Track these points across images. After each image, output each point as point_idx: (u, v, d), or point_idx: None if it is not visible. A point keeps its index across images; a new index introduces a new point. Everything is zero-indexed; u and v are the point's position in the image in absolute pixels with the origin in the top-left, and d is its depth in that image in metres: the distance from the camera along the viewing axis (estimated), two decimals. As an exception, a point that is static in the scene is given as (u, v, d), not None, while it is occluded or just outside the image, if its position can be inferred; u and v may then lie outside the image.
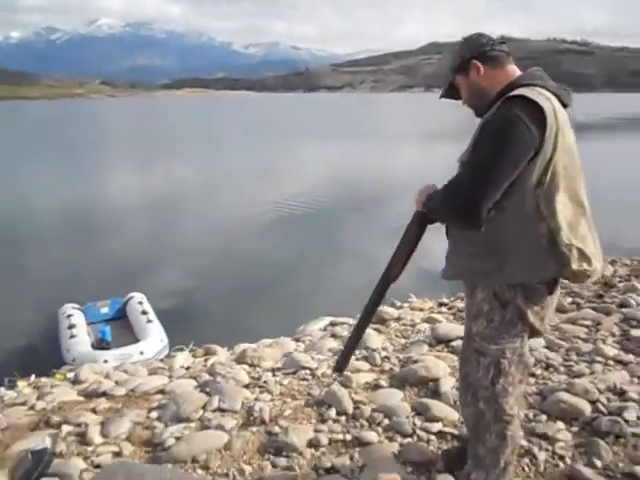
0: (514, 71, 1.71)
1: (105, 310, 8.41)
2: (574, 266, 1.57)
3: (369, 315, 1.93)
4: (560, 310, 3.96)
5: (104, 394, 3.40)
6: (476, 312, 1.73)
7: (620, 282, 4.57)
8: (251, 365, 3.58)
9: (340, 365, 2.00)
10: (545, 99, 1.55)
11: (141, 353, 6.88)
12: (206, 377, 3.43)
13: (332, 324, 5.00)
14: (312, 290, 8.44)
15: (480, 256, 1.66)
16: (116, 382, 3.75)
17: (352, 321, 4.90)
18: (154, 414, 2.94)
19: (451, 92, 1.86)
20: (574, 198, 1.61)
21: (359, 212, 13.88)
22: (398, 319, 4.57)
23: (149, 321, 7.74)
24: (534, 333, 1.74)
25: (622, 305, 3.89)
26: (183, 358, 4.46)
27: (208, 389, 3.16)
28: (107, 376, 4.04)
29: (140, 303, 8.25)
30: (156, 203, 15.88)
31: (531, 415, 2.49)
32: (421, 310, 4.93)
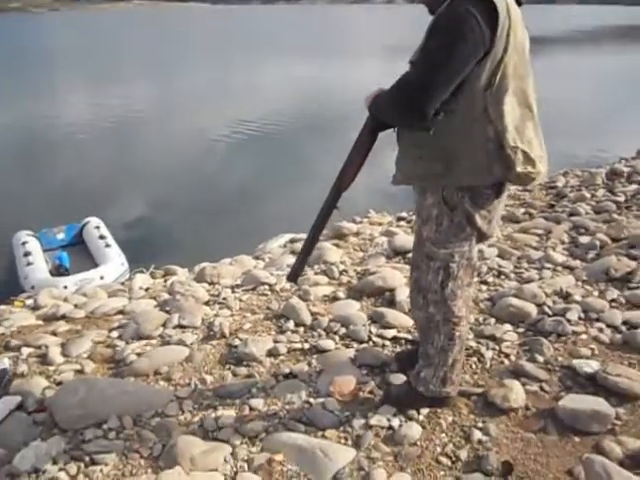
0: None
1: (61, 236, 8.19)
2: (519, 169, 1.57)
3: (320, 225, 1.92)
4: (513, 220, 4.08)
5: (63, 317, 3.39)
6: (426, 217, 1.75)
7: (571, 192, 4.70)
8: (210, 283, 3.60)
9: (293, 275, 2.01)
10: None
11: (101, 278, 6.79)
12: (165, 296, 3.44)
13: (292, 241, 5.03)
14: (273, 209, 8.40)
15: (429, 159, 1.65)
16: (75, 305, 3.73)
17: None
18: (115, 333, 2.95)
19: None
20: (522, 100, 1.59)
21: (320, 130, 13.61)
22: (357, 234, 4.62)
23: (107, 245, 7.60)
24: (482, 237, 1.77)
25: (572, 214, 4.02)
26: (142, 279, 4.44)
27: (168, 308, 3.17)
28: (66, 300, 4.00)
29: (97, 228, 8.05)
30: (110, 126, 15.18)
31: (481, 319, 2.61)
32: (380, 224, 5.00)
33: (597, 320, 2.50)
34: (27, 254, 7.31)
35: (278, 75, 24.92)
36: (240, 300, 3.14)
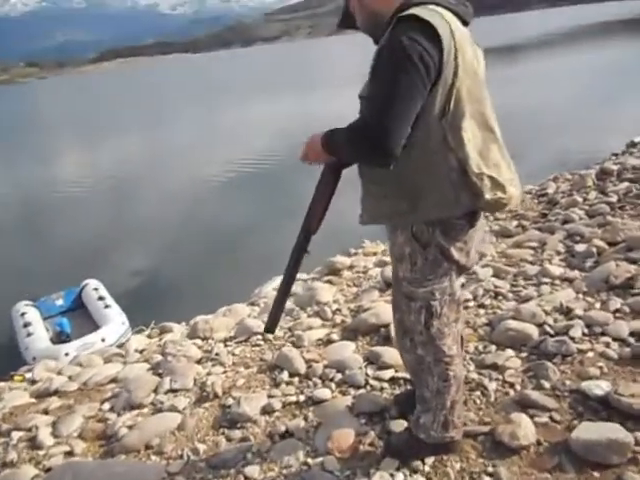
0: None
1: (60, 302, 8.11)
2: (487, 196, 1.47)
3: (292, 273, 1.83)
4: (506, 235, 3.97)
5: (56, 392, 3.28)
6: (399, 255, 1.65)
7: (562, 198, 4.60)
8: (203, 338, 3.48)
9: (270, 325, 1.91)
10: (440, 17, 1.41)
11: (102, 340, 6.68)
12: (158, 358, 3.32)
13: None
14: (268, 251, 8.29)
15: (393, 197, 1.55)
16: (69, 377, 3.62)
17: (306, 276, 4.83)
18: (106, 405, 2.84)
19: (348, 20, 1.69)
20: (482, 123, 1.50)
21: (310, 167, 13.66)
22: (351, 267, 4.52)
23: (107, 306, 7.51)
24: (461, 269, 1.66)
25: (566, 221, 3.91)
26: (138, 341, 4.33)
27: (160, 370, 3.07)
28: (60, 372, 3.89)
29: (96, 289, 7.97)
30: (100, 185, 15.25)
31: (481, 347, 2.48)
32: (374, 254, 4.89)
33: (602, 334, 2.37)
34: (27, 324, 7.22)
35: (264, 114, 25.18)
36: (233, 354, 3.03)
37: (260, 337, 3.15)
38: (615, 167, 5.05)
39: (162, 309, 7.24)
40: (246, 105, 29.03)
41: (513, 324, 2.48)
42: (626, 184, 4.39)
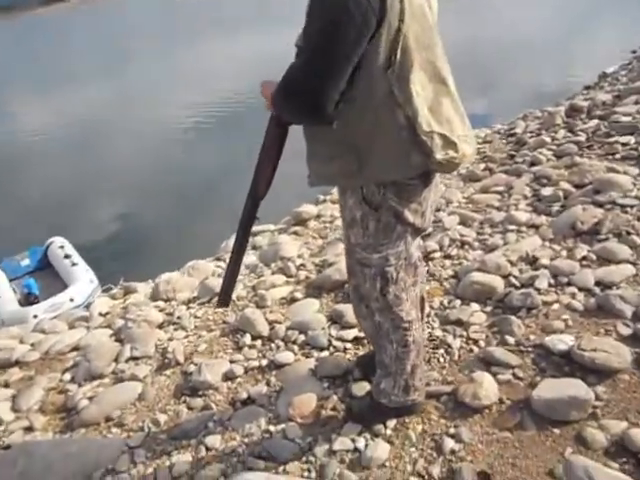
0: None
1: (26, 262, 7.89)
2: (438, 155, 1.34)
3: (241, 243, 1.72)
4: (473, 179, 3.88)
5: (17, 362, 3.17)
6: (350, 220, 1.54)
7: (531, 137, 4.49)
8: (166, 300, 3.38)
9: (223, 300, 1.79)
10: None
11: (71, 300, 6.56)
12: (120, 323, 3.23)
13: (253, 234, 4.80)
14: (236, 201, 8.09)
15: (339, 156, 1.41)
16: (32, 345, 3.51)
17: (273, 227, 4.72)
18: (67, 375, 2.76)
19: None
20: (433, 74, 1.35)
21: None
22: (318, 216, 4.42)
23: (74, 264, 7.34)
24: (417, 231, 1.56)
25: (533, 163, 3.82)
26: (102, 303, 4.21)
27: (122, 336, 2.98)
28: (22, 340, 3.77)
29: (62, 247, 7.76)
30: (58, 133, 14.61)
31: (446, 302, 2.43)
32: (343, 203, 4.78)
33: (568, 284, 2.33)
34: (-8, 288, 7.04)
35: (231, 52, 24.16)
36: (195, 317, 2.94)
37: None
38: (585, 103, 4.93)
39: (131, 264, 7.13)
40: (206, 42, 27.79)
41: (478, 276, 2.42)
42: (595, 122, 4.28)
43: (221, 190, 8.84)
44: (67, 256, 7.52)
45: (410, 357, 1.69)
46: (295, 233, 4.00)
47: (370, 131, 1.36)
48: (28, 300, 6.94)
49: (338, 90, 1.29)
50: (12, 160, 12.94)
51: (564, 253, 2.57)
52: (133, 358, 2.68)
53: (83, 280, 6.97)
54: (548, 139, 4.18)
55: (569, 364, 1.88)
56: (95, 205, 9.50)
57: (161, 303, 3.34)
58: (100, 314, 3.87)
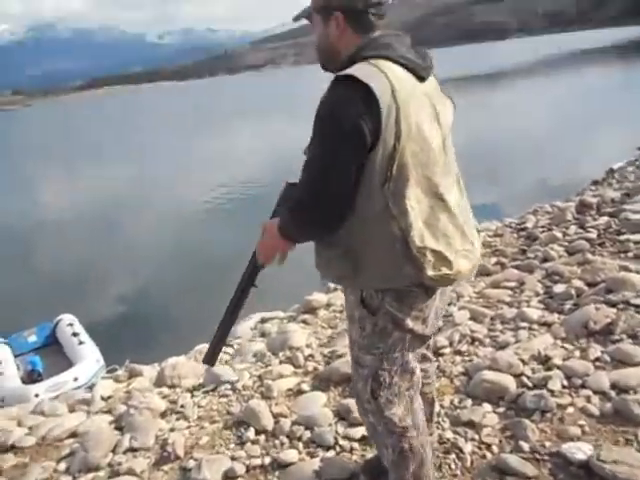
0: None
1: (33, 338, 7.84)
2: (429, 272, 1.34)
3: (236, 306, 1.71)
4: (484, 273, 3.87)
5: (12, 447, 3.08)
6: (350, 316, 1.54)
7: (542, 232, 4.53)
8: (170, 386, 3.32)
9: (209, 357, 1.78)
10: (382, 76, 1.30)
11: (75, 379, 6.44)
12: (122, 409, 3.15)
13: (262, 321, 4.78)
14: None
15: (338, 260, 1.44)
16: (30, 428, 3.42)
17: (282, 314, 4.70)
18: (63, 465, 2.68)
19: (306, 17, 1.56)
20: (429, 190, 1.36)
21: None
22: (328, 305, 4.40)
23: (81, 343, 7.26)
24: (418, 338, 1.50)
25: (545, 259, 3.83)
26: (105, 386, 4.13)
27: (123, 423, 2.90)
28: (20, 423, 3.68)
29: (70, 325, 7.73)
30: (79, 211, 15.03)
31: (456, 401, 2.35)
32: (353, 291, 4.78)
33: (583, 387, 2.25)
34: (-4, 363, 6.96)
35: (252, 141, 25.22)
36: (199, 406, 2.86)
37: (229, 386, 3.00)
38: (594, 200, 5.02)
39: (138, 344, 7.06)
40: (230, 132, 29.09)
41: (490, 375, 2.36)
42: (606, 218, 4.34)
43: (235, 274, 8.86)
44: (75, 334, 7.47)
45: (409, 466, 1.59)
46: (304, 322, 3.98)
47: (366, 240, 1.38)
48: (31, 378, 6.82)
49: (343, 206, 1.34)
50: (33, 234, 13.27)
51: (577, 353, 2.51)
52: (132, 449, 2.59)
53: (89, 359, 6.87)
54: (559, 235, 4.22)
55: (589, 476, 1.78)
56: (108, 282, 9.57)
57: (165, 389, 3.27)
58: (102, 398, 3.80)
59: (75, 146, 35.30)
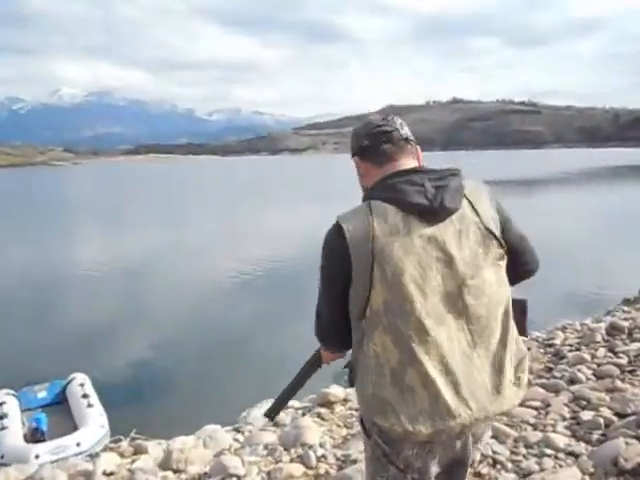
0: (397, 167, 1.43)
1: (42, 394, 7.76)
2: (378, 420, 1.30)
3: (303, 377, 1.82)
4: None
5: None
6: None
7: (570, 352, 4.42)
8: (176, 471, 3.22)
9: (271, 413, 1.89)
10: (364, 220, 1.31)
11: (77, 445, 6.28)
12: (123, 491, 3.06)
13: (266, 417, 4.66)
14: (265, 368, 7.98)
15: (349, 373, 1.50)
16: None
17: (298, 404, 4.59)
18: None
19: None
20: (399, 343, 1.28)
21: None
22: (345, 401, 4.30)
23: (89, 405, 7.15)
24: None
25: (572, 381, 3.71)
26: (108, 460, 4.03)
27: (123, 507, 2.81)
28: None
29: (82, 385, 7.65)
30: (113, 272, 15.33)
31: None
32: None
33: (611, 533, 2.12)
34: (2, 416, 6.87)
35: (286, 220, 25.74)
36: (203, 499, 2.77)
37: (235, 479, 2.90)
38: (626, 323, 4.91)
39: (146, 414, 6.97)
40: (264, 210, 29.82)
41: (511, 506, 2.24)
42: (637, 345, 4.22)
43: (251, 355, 8.80)
44: (85, 395, 7.37)
45: None
46: (319, 416, 3.88)
47: (356, 361, 1.41)
48: (34, 437, 6.69)
49: (336, 329, 1.44)
50: (57, 295, 13.52)
51: (606, 493, 2.38)
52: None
53: (95, 424, 6.73)
54: (588, 356, 4.11)
55: None
56: (124, 347, 9.58)
57: (170, 474, 3.18)
58: (104, 473, 3.70)
59: (113, 205, 36.54)
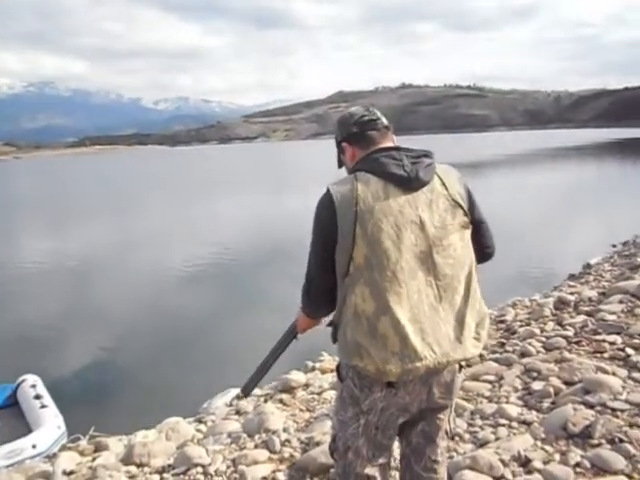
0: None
1: (-9, 398, 7.49)
2: (357, 362, 1.48)
3: (280, 348, 1.93)
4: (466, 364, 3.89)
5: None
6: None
7: (521, 327, 4.61)
8: (139, 465, 3.19)
9: (247, 390, 2.01)
10: (350, 186, 1.52)
11: (33, 447, 6.10)
12: (85, 487, 3.01)
13: (238, 397, 4.67)
14: (225, 358, 7.96)
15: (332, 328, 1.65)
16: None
17: (259, 392, 4.61)
18: None
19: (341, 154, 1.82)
20: (375, 293, 1.46)
21: (275, 265, 13.56)
22: (306, 385, 4.35)
23: (43, 406, 6.95)
24: (372, 430, 1.56)
25: (523, 354, 3.88)
26: (68, 459, 3.94)
27: (84, 505, 2.76)
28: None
29: (33, 387, 7.41)
30: (56, 268, 14.82)
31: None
32: (332, 371, 4.74)
33: (563, 494, 2.24)
34: (-51, 425, 6.60)
35: (235, 209, 25.51)
36: (168, 490, 2.75)
37: (201, 470, 2.89)
38: (572, 297, 5.15)
39: (104, 410, 6.83)
40: (214, 199, 29.41)
41: (470, 476, 2.34)
42: (582, 317, 4.44)
43: (210, 345, 8.73)
44: (37, 397, 7.15)
45: None
46: (281, 402, 3.91)
47: (339, 317, 1.57)
48: (-16, 442, 6.47)
49: (320, 289, 1.61)
50: (5, 289, 12.97)
51: (557, 457, 2.50)
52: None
53: (50, 425, 6.55)
54: (537, 330, 4.29)
55: None
56: (76, 344, 9.31)
57: (133, 468, 3.14)
58: (64, 472, 3.62)
59: (51, 201, 35.22)
